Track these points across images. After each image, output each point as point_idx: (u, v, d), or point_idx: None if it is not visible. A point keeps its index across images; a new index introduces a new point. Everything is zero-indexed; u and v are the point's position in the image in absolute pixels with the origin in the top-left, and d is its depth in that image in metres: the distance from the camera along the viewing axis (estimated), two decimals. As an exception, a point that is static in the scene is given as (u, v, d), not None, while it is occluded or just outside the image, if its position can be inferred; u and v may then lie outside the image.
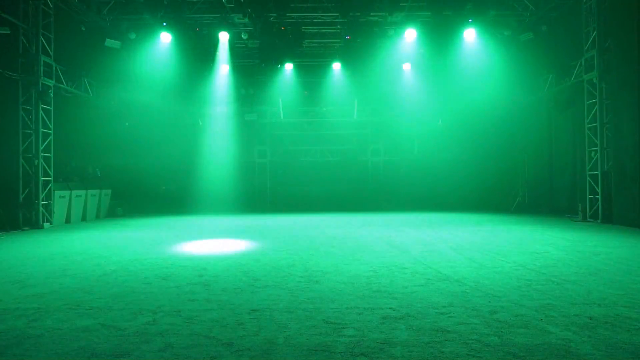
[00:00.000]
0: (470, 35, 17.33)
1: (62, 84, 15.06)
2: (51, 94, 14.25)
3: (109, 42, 15.57)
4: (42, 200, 13.79)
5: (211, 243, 10.06)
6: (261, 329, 4.14)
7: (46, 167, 14.12)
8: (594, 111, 14.34)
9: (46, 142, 14.15)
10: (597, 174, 14.12)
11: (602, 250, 8.59)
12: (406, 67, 20.59)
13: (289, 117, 22.57)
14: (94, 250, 9.00)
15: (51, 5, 14.16)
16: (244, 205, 21.65)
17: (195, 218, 17.27)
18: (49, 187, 14.12)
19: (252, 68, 21.16)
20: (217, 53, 18.57)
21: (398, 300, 5.06)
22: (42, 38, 13.85)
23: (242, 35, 17.12)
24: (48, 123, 14.22)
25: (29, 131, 13.81)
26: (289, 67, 20.68)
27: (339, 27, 17.81)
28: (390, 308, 4.76)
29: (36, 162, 13.80)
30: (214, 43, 17.76)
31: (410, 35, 17.31)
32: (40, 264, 7.56)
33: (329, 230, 12.52)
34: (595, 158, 14.29)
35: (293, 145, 22.79)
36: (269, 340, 3.86)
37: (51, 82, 14.25)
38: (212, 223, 15.15)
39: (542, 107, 18.42)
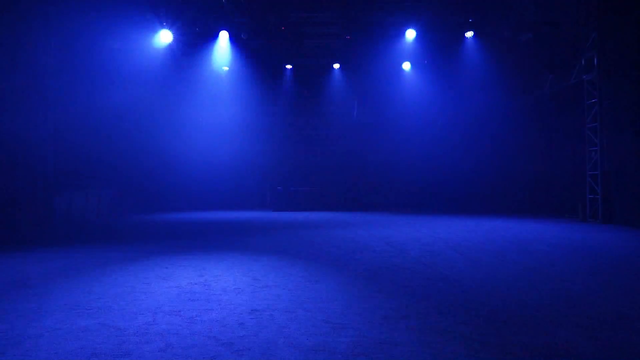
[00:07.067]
0: (470, 35, 17.35)
1: (62, 84, 15.03)
2: (51, 94, 14.24)
3: (110, 42, 15.58)
4: (42, 200, 13.78)
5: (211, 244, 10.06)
6: (261, 329, 4.15)
7: (46, 167, 14.10)
8: (594, 111, 14.34)
9: (46, 142, 14.12)
10: (597, 174, 14.12)
11: (603, 250, 8.60)
12: (406, 67, 20.60)
13: (289, 116, 22.61)
14: (94, 250, 8.99)
15: (51, 5, 14.13)
16: (243, 204, 21.74)
17: (194, 218, 17.28)
18: (49, 187, 14.11)
19: (252, 68, 21.19)
20: (217, 53, 18.60)
21: (398, 300, 5.06)
22: (42, 38, 13.82)
23: (242, 35, 17.13)
24: (48, 123, 14.20)
25: (29, 131, 13.78)
26: (288, 67, 20.72)
27: (339, 27, 17.80)
28: (390, 308, 4.76)
29: (36, 162, 13.79)
30: (214, 43, 17.76)
31: (410, 35, 17.33)
32: (39, 263, 7.55)
33: (329, 230, 12.52)
34: (595, 158, 14.30)
35: (293, 145, 22.81)
36: (269, 340, 3.86)
37: (51, 82, 14.23)
38: (211, 222, 15.16)
39: (542, 107, 18.42)
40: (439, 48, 18.25)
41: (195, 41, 17.87)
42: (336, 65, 20.60)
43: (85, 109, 16.65)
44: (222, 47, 18.18)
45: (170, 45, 17.10)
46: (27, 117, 13.83)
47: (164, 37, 16.43)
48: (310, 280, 6.15)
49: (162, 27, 16.02)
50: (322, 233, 11.75)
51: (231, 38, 17.70)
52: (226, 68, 20.52)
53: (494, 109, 19.69)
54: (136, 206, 19.27)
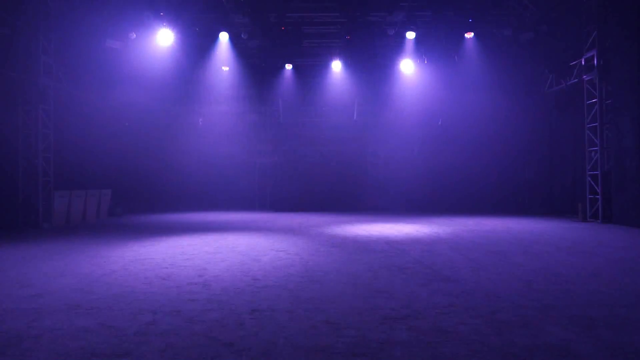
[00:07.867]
0: (470, 34, 17.35)
1: (62, 84, 15.06)
2: (51, 94, 14.25)
3: (109, 42, 15.56)
4: (42, 200, 13.79)
5: (211, 245, 10.04)
6: (261, 329, 4.14)
7: (46, 167, 14.12)
8: (593, 111, 14.34)
9: (46, 142, 14.15)
10: (597, 174, 14.12)
11: (603, 250, 8.59)
12: (406, 67, 20.57)
13: (289, 117, 22.58)
14: (93, 250, 8.99)
15: (51, 5, 14.14)
16: (243, 204, 21.75)
17: (193, 216, 17.28)
18: (49, 187, 14.12)
19: (252, 68, 21.19)
20: (217, 53, 18.59)
21: (398, 300, 5.06)
22: (42, 37, 13.85)
23: (242, 35, 17.11)
24: (48, 123, 14.21)
25: (29, 131, 13.81)
26: (288, 67, 20.70)
27: (339, 27, 17.80)
28: (390, 308, 4.76)
29: (36, 162, 13.81)
30: (214, 43, 17.74)
31: (410, 35, 17.34)
32: (39, 264, 7.55)
33: (329, 230, 12.52)
34: (595, 158, 14.30)
35: (293, 145, 22.78)
36: (269, 340, 3.86)
37: (51, 82, 14.24)
38: (210, 221, 15.16)
39: (542, 107, 18.43)
40: (438, 48, 18.23)
41: (195, 41, 17.87)
42: (336, 65, 20.56)
43: (85, 109, 16.66)
44: (222, 47, 18.17)
45: (170, 45, 17.07)
46: (27, 116, 13.85)
47: (164, 37, 16.39)
48: (310, 280, 6.15)
49: (163, 27, 15.99)
50: (322, 233, 11.75)
51: (231, 38, 17.70)
52: (226, 68, 20.50)
53: (494, 109, 19.67)
54: (135, 207, 19.29)
